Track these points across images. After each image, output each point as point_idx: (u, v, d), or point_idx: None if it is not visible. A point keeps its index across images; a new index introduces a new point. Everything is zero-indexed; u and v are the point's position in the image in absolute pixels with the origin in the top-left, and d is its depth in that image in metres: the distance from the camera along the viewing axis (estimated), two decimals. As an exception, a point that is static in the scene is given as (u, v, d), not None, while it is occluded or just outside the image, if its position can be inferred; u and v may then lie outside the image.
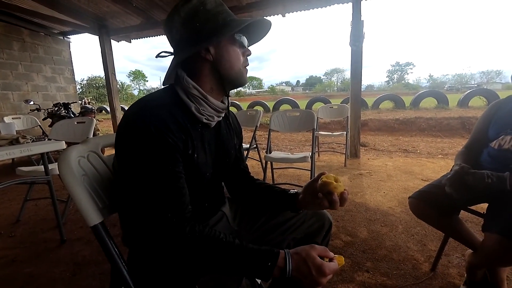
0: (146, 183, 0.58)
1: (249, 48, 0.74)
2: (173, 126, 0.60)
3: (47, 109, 4.58)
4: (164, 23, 0.69)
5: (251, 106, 11.90)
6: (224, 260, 0.58)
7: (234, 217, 0.91)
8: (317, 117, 3.34)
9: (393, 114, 8.03)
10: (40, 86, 5.53)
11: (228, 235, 0.60)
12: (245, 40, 0.71)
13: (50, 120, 4.42)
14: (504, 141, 1.05)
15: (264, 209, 0.90)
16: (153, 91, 0.74)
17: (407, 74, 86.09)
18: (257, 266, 0.56)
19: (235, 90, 0.78)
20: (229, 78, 0.69)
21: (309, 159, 2.20)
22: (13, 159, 3.68)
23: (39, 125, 4.06)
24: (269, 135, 2.63)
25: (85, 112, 4.79)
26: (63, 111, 4.48)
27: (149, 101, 0.64)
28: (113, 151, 0.64)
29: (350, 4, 3.68)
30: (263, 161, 2.63)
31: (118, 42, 5.65)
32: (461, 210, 1.17)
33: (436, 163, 3.54)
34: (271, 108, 11.46)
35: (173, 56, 0.69)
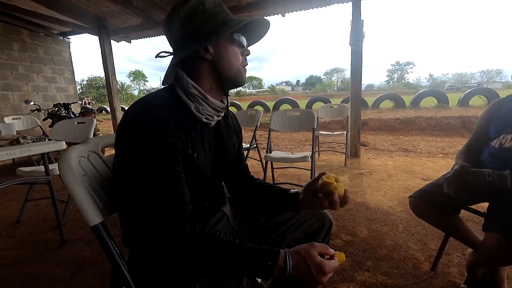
0: (146, 183, 0.58)
1: (248, 48, 0.75)
2: (173, 126, 0.60)
3: (47, 109, 4.58)
4: (164, 23, 0.69)
5: (251, 106, 11.90)
6: (224, 260, 0.58)
7: (235, 217, 0.91)
8: (317, 117, 3.34)
9: (393, 114, 8.03)
10: (40, 87, 5.53)
11: (228, 234, 0.60)
12: (244, 40, 0.71)
13: (51, 120, 4.42)
14: (505, 140, 1.05)
15: (264, 209, 0.90)
16: (153, 91, 0.74)
17: (407, 73, 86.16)
18: (257, 265, 0.56)
19: (235, 90, 0.78)
20: (228, 78, 0.70)
21: (309, 159, 2.20)
22: (13, 159, 3.68)
23: (40, 126, 4.06)
24: (269, 134, 2.63)
25: (85, 112, 4.79)
26: (63, 112, 4.48)
27: (149, 101, 0.64)
28: (113, 151, 0.64)
29: (350, 3, 3.68)
30: (263, 161, 2.63)
31: (118, 42, 5.64)
32: (462, 209, 1.17)
33: (436, 162, 3.54)
34: (271, 108, 11.45)
35: (172, 56, 0.69)
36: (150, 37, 5.55)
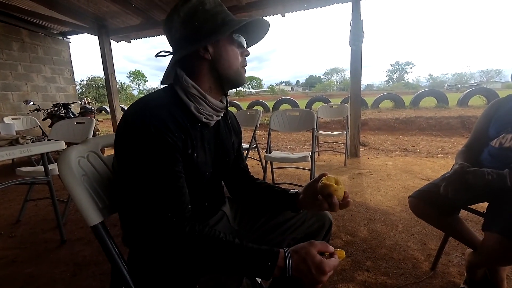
0: (146, 182, 0.58)
1: (248, 48, 0.75)
2: (173, 126, 0.60)
3: (47, 109, 4.58)
4: (164, 22, 0.69)
5: (251, 106, 11.90)
6: (224, 260, 0.57)
7: (235, 217, 0.91)
8: (317, 117, 3.34)
9: (393, 114, 8.03)
10: (40, 87, 5.53)
11: (228, 234, 0.60)
12: (243, 40, 0.72)
13: (50, 120, 4.42)
14: (505, 140, 1.05)
15: (264, 209, 0.90)
16: (153, 91, 0.74)
17: (407, 73, 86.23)
18: (257, 265, 0.56)
19: (235, 89, 0.78)
20: (227, 78, 0.70)
21: (309, 159, 2.20)
22: (13, 159, 3.68)
23: (39, 126, 4.06)
24: (269, 134, 2.63)
25: (85, 112, 4.78)
26: (63, 112, 4.47)
27: (148, 101, 0.64)
28: (112, 151, 0.64)
29: (350, 3, 3.68)
30: (263, 161, 2.63)
31: (118, 42, 5.64)
32: (461, 209, 1.17)
33: (436, 162, 3.54)
34: (271, 108, 11.45)
35: (172, 55, 0.69)
36: (150, 37, 5.55)
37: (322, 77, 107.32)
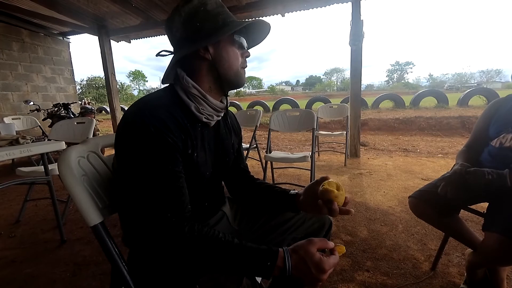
0: (146, 183, 0.58)
1: (248, 50, 0.75)
2: (173, 126, 0.60)
3: (47, 109, 4.58)
4: (165, 22, 0.70)
5: (251, 106, 11.90)
6: (223, 260, 0.57)
7: (235, 217, 0.91)
8: (317, 117, 3.34)
9: (393, 114, 8.03)
10: (40, 87, 5.53)
11: (228, 234, 0.60)
12: (244, 41, 0.72)
13: (50, 120, 4.42)
14: (505, 139, 1.05)
15: (264, 209, 0.90)
16: (153, 91, 0.74)
17: (407, 73, 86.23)
18: (256, 265, 0.56)
19: (234, 90, 0.78)
20: (227, 78, 0.70)
21: (309, 159, 2.20)
22: (13, 159, 3.68)
23: (39, 126, 4.06)
24: (269, 135, 2.63)
25: (85, 112, 4.78)
26: (63, 112, 4.47)
27: (149, 101, 0.64)
28: (112, 151, 0.64)
29: (350, 3, 3.68)
30: (263, 161, 2.63)
31: (118, 42, 5.64)
32: (461, 210, 1.17)
33: (436, 162, 3.54)
34: (271, 108, 11.46)
35: (173, 55, 0.70)
36: (150, 37, 5.55)
37: (322, 77, 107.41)
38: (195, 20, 0.65)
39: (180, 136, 0.62)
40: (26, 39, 5.19)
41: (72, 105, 4.85)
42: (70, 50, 6.14)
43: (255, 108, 4.81)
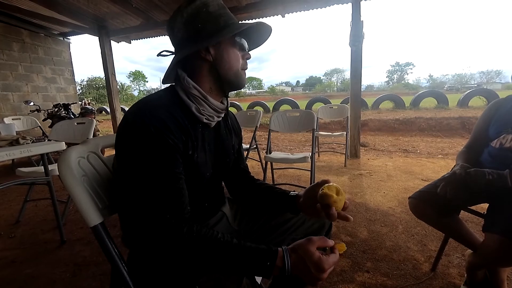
0: (146, 183, 0.58)
1: (249, 52, 0.75)
2: (173, 127, 0.60)
3: (47, 110, 4.57)
4: (167, 22, 0.70)
5: (251, 106, 11.92)
6: (222, 260, 0.57)
7: (234, 217, 0.91)
8: (317, 117, 3.34)
9: (393, 114, 8.03)
10: (40, 87, 5.53)
11: (226, 234, 0.60)
12: (245, 43, 0.72)
13: (50, 121, 4.41)
14: (505, 140, 1.05)
15: (264, 210, 0.90)
16: (153, 91, 0.74)
17: (407, 74, 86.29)
18: (256, 265, 0.56)
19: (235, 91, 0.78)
20: (227, 79, 0.70)
21: (309, 160, 2.20)
22: (13, 160, 3.68)
23: (39, 126, 4.06)
24: (269, 135, 2.63)
25: (85, 113, 4.77)
26: (63, 112, 4.47)
27: (149, 101, 0.64)
28: (112, 152, 0.64)
29: (350, 4, 3.69)
30: (263, 162, 2.63)
31: (118, 43, 5.64)
32: (462, 210, 1.17)
33: (436, 163, 3.54)
34: (271, 109, 11.46)
35: (174, 55, 0.70)
36: (150, 38, 5.56)
37: (322, 77, 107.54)
38: (197, 21, 0.66)
39: (180, 137, 0.62)
40: (26, 39, 5.20)
41: (72, 105, 4.84)
42: (71, 50, 6.15)
43: (255, 108, 4.82)
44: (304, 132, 5.79)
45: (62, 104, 4.56)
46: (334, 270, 1.39)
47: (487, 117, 1.18)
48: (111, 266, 0.65)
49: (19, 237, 1.91)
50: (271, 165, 2.70)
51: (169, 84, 0.74)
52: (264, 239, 0.86)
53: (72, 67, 6.21)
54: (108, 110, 6.97)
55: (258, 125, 2.77)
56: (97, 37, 5.06)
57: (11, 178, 1.65)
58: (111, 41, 5.26)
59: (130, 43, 5.79)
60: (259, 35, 0.76)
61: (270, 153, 2.65)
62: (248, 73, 0.78)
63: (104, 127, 9.24)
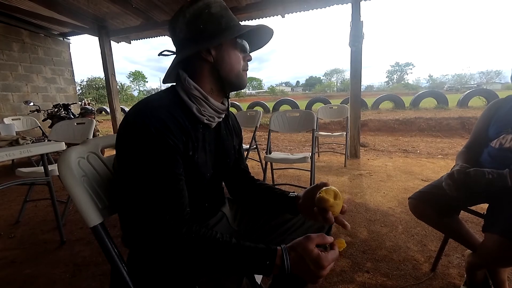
0: (146, 184, 0.58)
1: (250, 53, 0.76)
2: (174, 127, 0.60)
3: (47, 110, 4.57)
4: (169, 22, 0.70)
5: (251, 106, 11.92)
6: (221, 260, 0.57)
7: (234, 218, 0.91)
8: (317, 118, 3.34)
9: (393, 115, 8.04)
10: (40, 87, 5.53)
11: (225, 234, 0.60)
12: (246, 45, 0.72)
13: (50, 121, 4.41)
14: (504, 140, 1.05)
15: (264, 210, 0.90)
16: (153, 91, 0.75)
17: (407, 74, 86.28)
18: (255, 264, 0.56)
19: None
20: (228, 80, 0.70)
21: (309, 160, 2.20)
22: (13, 160, 3.68)
23: (39, 126, 4.06)
24: (269, 135, 2.63)
25: (85, 113, 4.77)
26: (63, 112, 4.47)
27: (150, 102, 0.64)
28: (112, 152, 0.64)
29: (350, 4, 3.69)
30: (263, 162, 2.63)
31: (118, 43, 5.65)
32: (461, 211, 1.17)
33: (436, 163, 3.54)
34: (270, 109, 11.46)
35: (175, 55, 0.70)
36: (150, 38, 5.57)
37: (322, 78, 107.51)
38: (199, 21, 0.66)
39: (181, 137, 0.62)
40: (26, 39, 5.20)
41: (72, 105, 4.85)
42: (70, 50, 6.15)
43: (255, 109, 4.81)
44: (304, 132, 5.80)
45: (62, 104, 4.56)
46: (334, 271, 1.39)
47: (487, 117, 1.18)
48: (111, 266, 0.65)
49: (19, 237, 1.91)
50: (271, 165, 2.70)
51: (170, 84, 0.74)
52: (264, 239, 0.86)
53: (72, 67, 6.21)
54: (108, 110, 6.97)
55: (258, 125, 2.77)
56: (97, 37, 5.06)
57: (11, 178, 1.65)
58: (111, 41, 5.26)
59: (130, 43, 5.79)
60: (261, 37, 0.76)
61: (270, 153, 2.65)
62: (248, 74, 0.79)
63: (104, 127, 9.24)
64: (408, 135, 6.21)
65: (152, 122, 0.58)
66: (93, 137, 2.35)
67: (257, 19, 4.58)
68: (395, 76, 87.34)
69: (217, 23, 0.66)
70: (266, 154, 2.59)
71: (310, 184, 2.33)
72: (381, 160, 3.87)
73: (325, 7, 4.10)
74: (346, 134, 3.65)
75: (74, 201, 0.62)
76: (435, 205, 1.12)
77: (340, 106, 3.95)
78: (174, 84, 0.72)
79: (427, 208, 1.15)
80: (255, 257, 0.57)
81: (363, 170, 3.34)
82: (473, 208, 1.16)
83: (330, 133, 4.00)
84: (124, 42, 5.69)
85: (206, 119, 0.69)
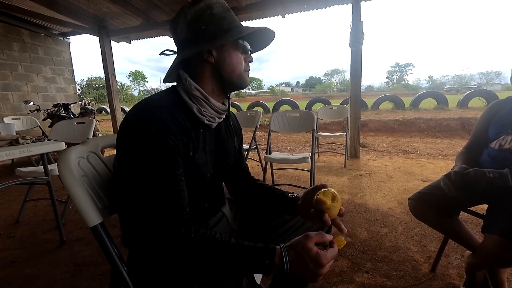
0: (145, 185, 0.58)
1: (251, 55, 0.75)
2: (174, 128, 0.60)
3: (47, 109, 4.57)
4: (171, 22, 0.70)
5: (251, 106, 11.93)
6: (220, 260, 0.57)
7: (234, 218, 0.91)
8: (317, 118, 3.34)
9: (393, 115, 8.04)
10: (40, 87, 5.53)
11: (224, 234, 0.60)
12: (248, 46, 0.72)
13: (50, 120, 4.41)
14: (504, 141, 1.05)
15: (263, 211, 0.90)
16: (153, 91, 0.74)
17: (407, 75, 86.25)
18: (254, 264, 0.56)
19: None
20: (230, 81, 0.70)
21: (309, 160, 2.20)
22: (12, 159, 3.68)
23: (39, 126, 4.06)
24: (269, 135, 2.63)
25: (85, 112, 4.77)
26: (63, 112, 4.47)
27: (151, 102, 0.64)
28: (113, 152, 0.64)
29: (350, 5, 3.69)
30: (263, 162, 2.63)
31: (118, 43, 5.65)
32: (461, 211, 1.17)
33: (436, 163, 3.54)
34: (270, 109, 11.46)
35: (176, 55, 0.70)
36: (150, 38, 5.57)
37: (322, 78, 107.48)
38: (200, 22, 0.66)
39: (181, 138, 0.62)
40: (26, 39, 5.20)
41: (72, 105, 4.85)
42: (71, 50, 6.15)
43: (255, 109, 4.81)
44: (304, 133, 5.80)
45: (62, 104, 4.56)
46: (333, 271, 1.39)
47: (487, 118, 1.19)
48: (110, 266, 0.65)
49: (19, 237, 1.91)
50: (271, 165, 2.70)
51: (170, 84, 0.74)
52: (264, 240, 0.85)
53: (72, 67, 6.21)
54: (108, 110, 6.97)
55: (258, 126, 2.77)
56: (97, 37, 5.07)
57: (11, 177, 1.65)
58: (111, 41, 5.26)
59: (130, 43, 5.79)
60: (262, 39, 0.76)
61: (270, 153, 2.65)
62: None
63: (104, 127, 9.24)
64: (408, 136, 6.21)
65: (152, 123, 0.58)
66: (93, 136, 2.35)
67: (257, 19, 4.58)
68: (395, 76, 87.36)
69: (219, 24, 0.66)
70: (266, 154, 2.59)
71: (310, 185, 2.33)
72: (381, 160, 3.87)
73: (325, 8, 4.10)
74: (346, 135, 3.65)
75: (74, 201, 0.62)
76: (435, 205, 1.12)
77: (340, 106, 3.96)
78: (175, 84, 0.71)
79: (427, 208, 1.15)
80: (254, 256, 0.57)
81: (363, 170, 3.34)
82: (472, 208, 1.16)
83: (330, 134, 4.00)
84: (124, 42, 5.69)
85: (206, 119, 0.69)
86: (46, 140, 3.00)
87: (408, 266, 1.43)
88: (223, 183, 0.93)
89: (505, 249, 0.85)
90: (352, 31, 3.64)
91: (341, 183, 2.86)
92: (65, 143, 1.81)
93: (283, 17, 4.40)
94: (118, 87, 5.94)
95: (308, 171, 2.34)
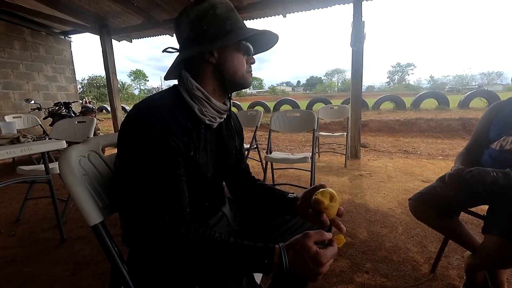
0: (146, 184, 0.58)
1: (253, 56, 0.75)
2: (175, 128, 0.60)
3: (48, 108, 4.59)
4: (174, 20, 0.70)
5: (251, 106, 11.93)
6: (220, 259, 0.57)
7: (234, 218, 0.91)
8: (318, 118, 3.34)
9: (394, 115, 8.02)
10: (41, 85, 5.54)
11: (224, 234, 0.60)
12: (250, 48, 0.72)
13: (51, 119, 4.43)
14: (505, 142, 1.05)
15: (263, 210, 0.90)
16: (154, 90, 0.74)
17: (408, 75, 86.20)
18: (254, 263, 0.56)
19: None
20: (232, 82, 0.70)
21: (309, 160, 2.20)
22: (13, 158, 3.68)
23: (40, 124, 4.07)
24: (269, 135, 2.63)
25: (86, 111, 4.79)
26: (64, 111, 4.48)
27: (152, 101, 0.64)
28: (113, 151, 0.64)
29: (351, 4, 3.68)
30: (263, 162, 2.63)
31: (119, 41, 5.66)
32: (461, 212, 1.17)
33: (436, 164, 3.53)
34: (271, 109, 11.46)
35: (178, 53, 0.70)
36: (151, 37, 5.56)
37: (323, 78, 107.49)
38: (203, 22, 0.65)
39: (182, 138, 0.62)
40: (27, 38, 5.20)
41: (73, 104, 4.86)
42: (72, 49, 6.15)
43: (255, 108, 4.82)
44: (304, 133, 5.79)
45: (63, 102, 4.57)
46: (333, 271, 1.39)
47: (488, 119, 1.18)
48: (111, 265, 0.65)
49: (19, 236, 1.91)
50: (271, 165, 2.70)
51: (171, 83, 0.74)
52: (264, 239, 0.85)
53: (73, 66, 6.22)
54: (109, 109, 6.98)
55: (259, 125, 2.77)
56: (98, 36, 5.07)
57: (12, 176, 1.66)
58: (112, 40, 5.27)
59: (131, 42, 5.80)
60: (265, 41, 0.75)
61: (270, 153, 2.65)
62: (249, 74, 0.78)
63: (105, 126, 9.25)
64: (409, 136, 6.20)
65: (153, 122, 0.58)
66: (94, 135, 2.35)
67: (258, 19, 4.58)
68: (396, 76, 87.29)
69: (221, 25, 0.66)
70: (267, 154, 2.59)
71: (310, 184, 2.33)
72: (382, 160, 3.86)
73: (326, 7, 4.10)
74: (346, 135, 3.64)
75: (74, 200, 0.62)
76: (435, 206, 1.12)
77: (341, 106, 3.95)
78: (176, 84, 0.71)
79: (427, 209, 1.15)
80: (253, 255, 0.57)
81: (363, 170, 3.33)
82: (473, 209, 1.16)
83: (330, 134, 4.00)
84: (125, 40, 5.69)
85: (207, 119, 0.69)
86: (47, 138, 3.00)
87: (408, 267, 1.43)
88: (224, 183, 0.93)
89: (505, 249, 0.84)
90: (353, 30, 3.63)
91: (342, 183, 2.86)
92: (66, 142, 1.81)
93: (284, 16, 4.40)
94: (119, 86, 5.94)
95: (309, 171, 2.34)
